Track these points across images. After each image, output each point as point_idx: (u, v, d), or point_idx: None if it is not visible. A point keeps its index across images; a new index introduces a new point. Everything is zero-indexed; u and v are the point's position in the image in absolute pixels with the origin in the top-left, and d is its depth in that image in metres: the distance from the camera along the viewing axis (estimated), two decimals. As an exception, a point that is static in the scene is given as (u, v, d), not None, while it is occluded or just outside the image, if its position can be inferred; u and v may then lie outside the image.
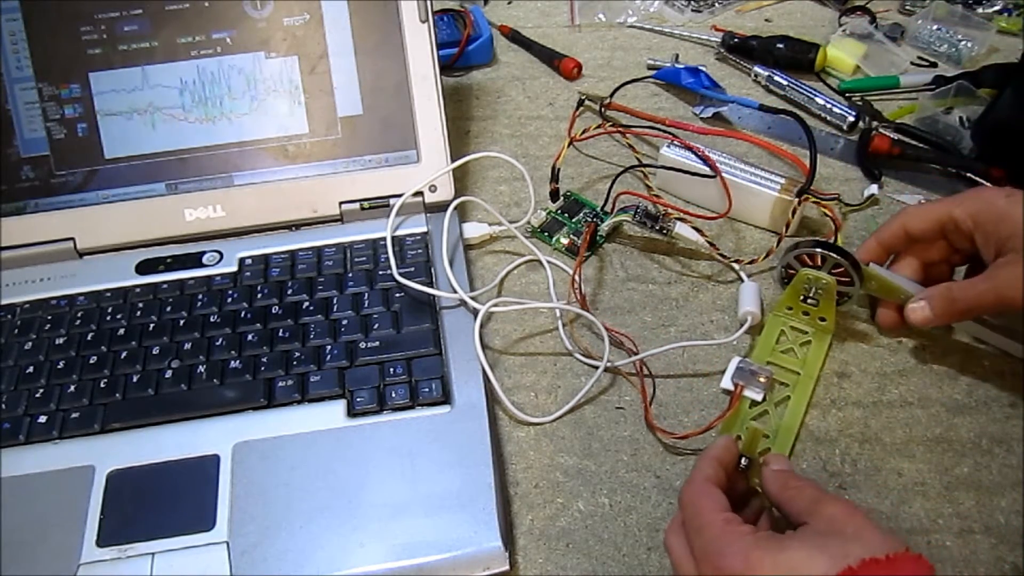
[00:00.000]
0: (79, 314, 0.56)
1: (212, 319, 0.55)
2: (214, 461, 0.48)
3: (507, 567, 0.44)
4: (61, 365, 0.53)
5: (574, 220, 0.64)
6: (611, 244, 0.63)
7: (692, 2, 0.86)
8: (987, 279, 0.49)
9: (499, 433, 0.52)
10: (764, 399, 0.52)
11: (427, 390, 0.51)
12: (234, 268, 0.59)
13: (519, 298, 0.59)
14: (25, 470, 0.48)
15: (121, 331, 0.55)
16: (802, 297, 0.55)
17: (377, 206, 0.61)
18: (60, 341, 0.54)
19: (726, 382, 0.52)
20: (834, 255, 0.53)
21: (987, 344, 0.55)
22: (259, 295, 0.56)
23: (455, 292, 0.55)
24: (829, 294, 0.54)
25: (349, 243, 0.60)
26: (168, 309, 0.56)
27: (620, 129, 0.70)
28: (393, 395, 0.51)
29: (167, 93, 0.59)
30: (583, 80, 0.78)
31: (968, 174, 0.65)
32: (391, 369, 0.52)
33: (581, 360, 0.55)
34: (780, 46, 0.76)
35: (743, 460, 0.45)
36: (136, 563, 0.44)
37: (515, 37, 0.82)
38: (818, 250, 0.54)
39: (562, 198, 0.65)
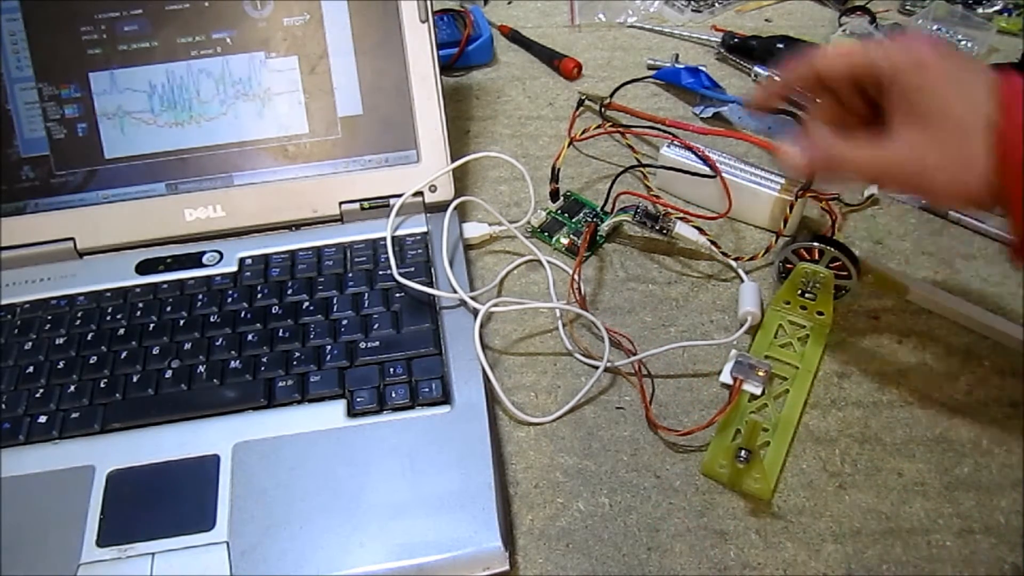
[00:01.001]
0: (79, 314, 0.56)
1: (212, 319, 0.55)
2: (214, 461, 0.48)
3: (507, 567, 0.44)
4: (61, 365, 0.53)
5: (574, 220, 0.64)
6: (611, 244, 0.63)
7: (692, 2, 0.86)
8: (882, 147, 0.41)
9: (499, 433, 0.52)
10: (763, 393, 0.52)
11: (427, 390, 0.51)
12: (234, 268, 0.59)
13: (519, 298, 0.59)
14: (25, 470, 0.48)
15: (121, 331, 0.55)
16: (800, 291, 0.55)
17: (377, 206, 0.61)
18: (60, 341, 0.54)
19: (725, 376, 0.53)
20: (832, 249, 0.54)
21: (986, 336, 0.55)
22: (259, 295, 0.56)
23: (455, 292, 0.55)
24: (827, 288, 0.54)
25: (349, 243, 0.60)
26: (168, 309, 0.56)
27: (620, 129, 0.70)
28: (393, 395, 0.51)
29: (164, 93, 0.59)
30: (583, 80, 0.78)
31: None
32: (391, 369, 0.52)
33: (581, 360, 0.55)
34: (780, 46, 0.76)
35: (743, 453, 0.46)
36: (136, 563, 0.44)
37: (515, 37, 0.82)
38: (816, 244, 0.54)
39: (562, 198, 0.65)
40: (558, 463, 0.50)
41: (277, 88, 0.60)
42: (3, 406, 0.51)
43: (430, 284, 0.56)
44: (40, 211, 0.59)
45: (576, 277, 0.57)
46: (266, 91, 0.60)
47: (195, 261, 0.59)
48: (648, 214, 0.59)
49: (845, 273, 0.54)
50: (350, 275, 0.57)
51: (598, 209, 0.65)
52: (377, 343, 0.53)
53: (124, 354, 0.53)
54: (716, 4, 0.86)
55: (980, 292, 0.58)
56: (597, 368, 0.53)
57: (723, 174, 0.61)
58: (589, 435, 0.51)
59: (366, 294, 0.56)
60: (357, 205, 0.61)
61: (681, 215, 0.60)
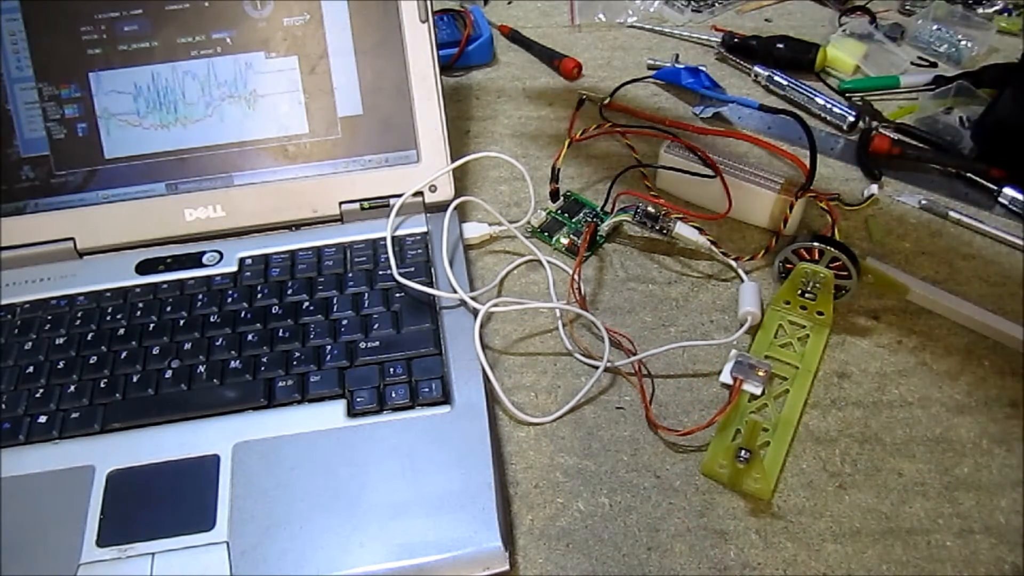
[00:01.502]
0: (79, 314, 0.56)
1: (212, 319, 0.55)
2: (214, 461, 0.48)
3: (507, 567, 0.44)
4: (61, 365, 0.53)
5: (574, 220, 0.64)
6: (611, 244, 0.63)
7: (692, 2, 0.86)
8: None
9: (499, 433, 0.52)
10: (763, 393, 0.52)
11: (427, 390, 0.51)
12: (234, 268, 0.59)
13: (519, 298, 0.59)
14: (25, 470, 0.48)
15: (121, 331, 0.55)
16: (800, 291, 0.55)
17: (377, 206, 0.61)
18: (60, 341, 0.54)
19: (725, 376, 0.53)
20: (832, 249, 0.54)
21: (986, 336, 0.55)
22: (259, 295, 0.56)
23: (455, 292, 0.55)
24: (827, 288, 0.54)
25: (349, 243, 0.60)
26: (168, 309, 0.56)
27: (620, 129, 0.70)
28: (393, 395, 0.51)
29: (169, 92, 0.59)
30: (583, 80, 0.78)
31: (968, 174, 0.65)
32: (391, 369, 0.52)
33: (581, 360, 0.55)
34: (780, 46, 0.76)
35: (743, 453, 0.46)
36: (136, 563, 0.44)
37: (515, 37, 0.82)
38: (816, 244, 0.54)
39: (562, 198, 0.65)
40: (558, 463, 0.50)
41: (277, 88, 0.60)
42: (3, 406, 0.51)
43: (430, 284, 0.56)
44: (40, 211, 0.59)
45: (576, 277, 0.57)
46: (253, 92, 0.59)
47: (195, 261, 0.59)
48: (648, 214, 0.59)
49: (845, 273, 0.54)
50: (350, 275, 0.57)
51: (598, 209, 0.65)
52: (377, 343, 0.53)
53: (124, 354, 0.53)
54: (716, 4, 0.86)
55: (980, 292, 0.58)
56: (597, 368, 0.53)
57: (723, 174, 0.61)
58: (589, 435, 0.51)
59: (366, 294, 0.56)
60: (357, 205, 0.61)
61: (681, 215, 0.60)
